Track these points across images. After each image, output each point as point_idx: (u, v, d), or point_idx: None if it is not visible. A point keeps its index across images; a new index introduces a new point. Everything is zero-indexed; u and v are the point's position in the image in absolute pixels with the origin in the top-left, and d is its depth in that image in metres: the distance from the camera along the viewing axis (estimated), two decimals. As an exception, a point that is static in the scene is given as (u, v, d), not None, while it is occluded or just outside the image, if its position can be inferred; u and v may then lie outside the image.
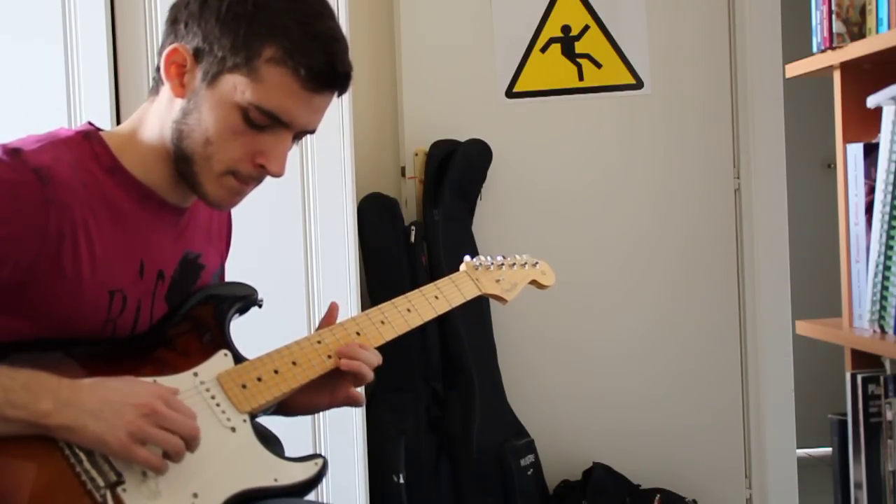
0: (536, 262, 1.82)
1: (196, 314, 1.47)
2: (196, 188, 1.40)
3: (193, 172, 1.38)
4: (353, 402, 1.51)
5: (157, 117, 1.40)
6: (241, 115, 1.34)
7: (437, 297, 1.62)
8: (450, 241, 3.00)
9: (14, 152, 1.30)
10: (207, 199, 1.40)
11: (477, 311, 3.03)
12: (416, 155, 3.11)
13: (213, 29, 1.33)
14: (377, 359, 1.50)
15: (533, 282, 1.81)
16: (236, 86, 1.33)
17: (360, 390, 1.53)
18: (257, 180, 1.40)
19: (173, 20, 1.38)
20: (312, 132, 1.41)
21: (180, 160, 1.38)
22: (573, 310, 3.16)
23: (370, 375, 1.49)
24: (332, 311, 1.57)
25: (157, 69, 1.40)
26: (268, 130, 1.36)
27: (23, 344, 1.31)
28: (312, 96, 1.36)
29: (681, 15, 3.17)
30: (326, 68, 1.34)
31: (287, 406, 1.54)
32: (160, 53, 1.40)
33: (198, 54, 1.34)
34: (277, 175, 1.38)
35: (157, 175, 1.41)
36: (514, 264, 1.77)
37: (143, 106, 1.44)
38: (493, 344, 3.10)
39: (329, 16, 1.38)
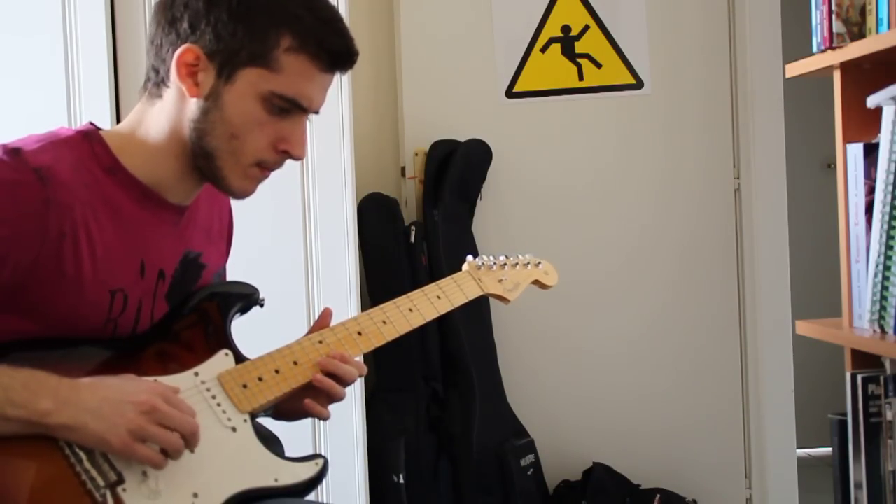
0: (539, 262, 1.81)
1: (197, 312, 1.46)
2: (219, 182, 1.41)
3: (217, 167, 1.39)
4: (317, 416, 1.48)
5: (165, 118, 1.39)
6: (262, 106, 1.36)
7: (439, 297, 1.62)
8: (450, 241, 3.00)
9: (14, 152, 1.30)
10: (231, 190, 1.42)
11: (477, 310, 3.03)
12: (416, 155, 3.11)
13: (224, 25, 1.34)
14: (358, 372, 1.47)
15: (536, 282, 1.81)
16: (256, 78, 1.35)
17: (352, 393, 1.51)
18: (279, 166, 1.43)
19: (171, 20, 1.37)
20: (318, 112, 1.44)
21: (201, 157, 1.38)
22: (574, 310, 3.16)
23: (342, 394, 1.46)
24: (325, 316, 1.56)
25: (156, 70, 1.39)
26: (287, 116, 1.38)
27: (24, 343, 1.31)
28: (326, 77, 1.40)
29: (681, 15, 3.18)
30: (343, 50, 1.40)
31: (280, 411, 1.53)
32: (156, 55, 1.39)
33: (211, 52, 1.35)
34: (300, 158, 1.41)
35: (162, 174, 1.41)
36: (516, 264, 1.77)
37: (139, 107, 1.43)
38: (493, 344, 3.10)
39: None
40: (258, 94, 1.35)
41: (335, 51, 1.38)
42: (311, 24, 1.36)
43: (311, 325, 1.56)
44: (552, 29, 3.16)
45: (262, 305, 1.53)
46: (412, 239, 2.98)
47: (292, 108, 1.38)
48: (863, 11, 1.84)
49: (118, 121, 2.42)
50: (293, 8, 1.35)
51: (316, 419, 2.50)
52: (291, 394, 1.45)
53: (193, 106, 1.37)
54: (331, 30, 1.38)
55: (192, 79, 1.36)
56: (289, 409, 1.51)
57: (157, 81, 1.40)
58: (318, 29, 1.36)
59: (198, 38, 1.35)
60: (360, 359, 1.53)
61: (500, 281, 1.72)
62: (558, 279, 1.84)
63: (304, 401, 1.45)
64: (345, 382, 1.46)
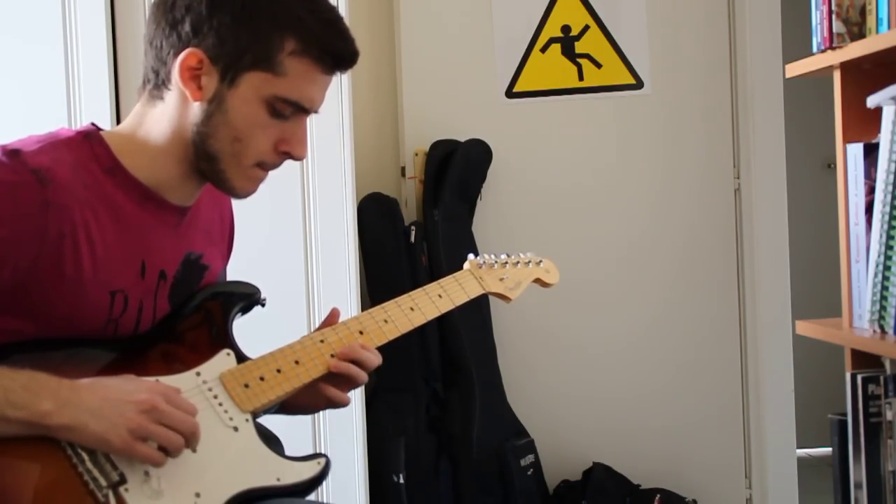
0: (541, 261, 1.82)
1: (199, 312, 1.47)
2: (221, 184, 1.42)
3: (220, 170, 1.39)
4: (337, 404, 1.50)
5: (166, 120, 1.39)
6: (266, 109, 1.37)
7: (440, 296, 1.62)
8: (450, 241, 3.00)
9: (13, 153, 1.30)
10: (234, 192, 1.43)
11: (477, 310, 3.03)
12: (416, 155, 3.11)
13: (228, 29, 1.34)
14: (377, 359, 1.50)
15: (537, 280, 1.81)
16: (259, 82, 1.35)
17: (352, 392, 1.53)
18: (279, 166, 1.43)
19: (172, 22, 1.37)
20: (318, 112, 1.44)
21: (204, 160, 1.39)
22: (574, 310, 3.16)
23: (364, 378, 1.48)
24: (333, 316, 1.56)
25: (156, 72, 1.39)
26: (290, 118, 1.39)
27: (24, 344, 1.31)
28: (328, 78, 1.41)
29: (681, 15, 3.18)
30: (346, 52, 1.41)
31: (289, 405, 1.54)
32: (156, 56, 1.39)
33: (214, 56, 1.35)
34: (301, 158, 1.42)
35: (163, 175, 1.41)
36: (518, 262, 1.77)
37: (139, 108, 1.43)
38: (493, 343, 3.10)
39: None
40: (262, 98, 1.36)
41: (338, 53, 1.39)
42: (314, 27, 1.36)
43: (312, 322, 1.57)
44: (552, 29, 3.16)
45: (263, 305, 1.53)
46: (412, 239, 2.98)
47: (295, 111, 1.38)
48: (863, 11, 1.84)
49: (118, 121, 2.42)
50: (296, 11, 1.36)
51: (315, 417, 2.52)
52: (295, 392, 1.45)
53: (196, 109, 1.37)
54: (333, 32, 1.38)
55: (194, 82, 1.36)
56: (303, 403, 1.52)
57: (157, 83, 1.40)
58: (321, 32, 1.37)
59: (200, 42, 1.35)
60: None
61: (501, 279, 1.72)
62: (559, 278, 1.84)
63: (328, 390, 1.47)
64: (366, 368, 1.48)
